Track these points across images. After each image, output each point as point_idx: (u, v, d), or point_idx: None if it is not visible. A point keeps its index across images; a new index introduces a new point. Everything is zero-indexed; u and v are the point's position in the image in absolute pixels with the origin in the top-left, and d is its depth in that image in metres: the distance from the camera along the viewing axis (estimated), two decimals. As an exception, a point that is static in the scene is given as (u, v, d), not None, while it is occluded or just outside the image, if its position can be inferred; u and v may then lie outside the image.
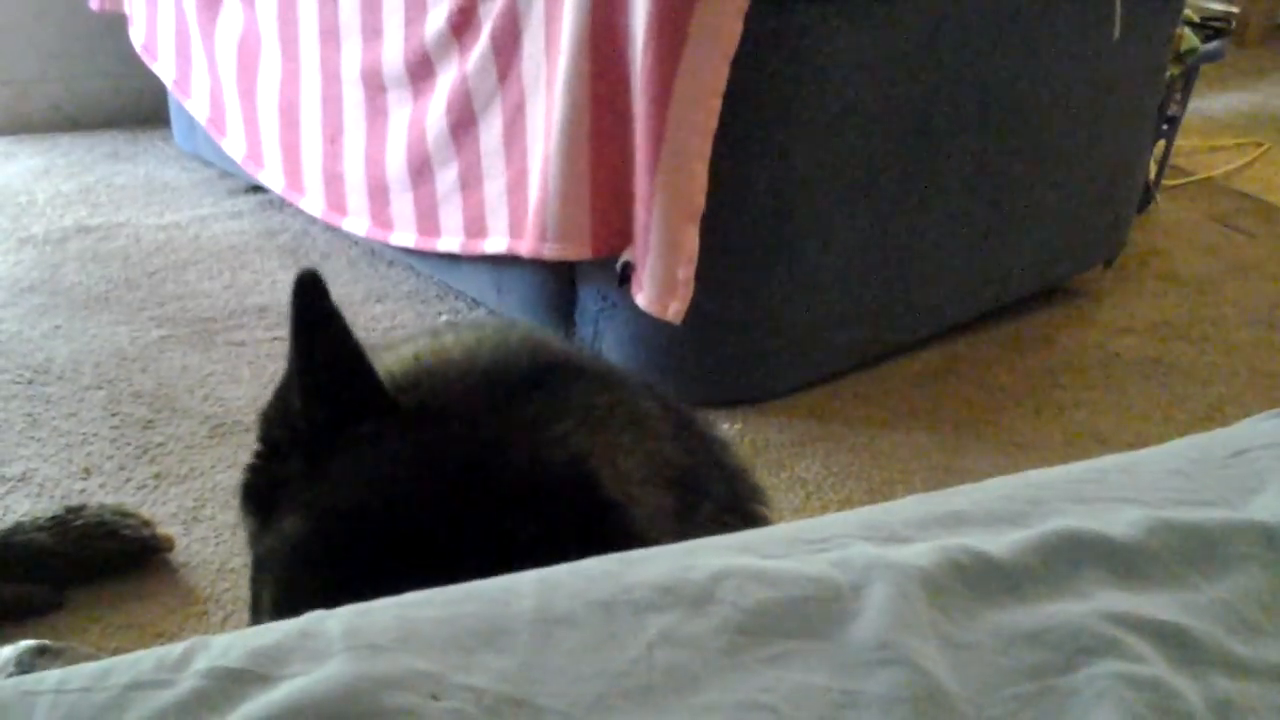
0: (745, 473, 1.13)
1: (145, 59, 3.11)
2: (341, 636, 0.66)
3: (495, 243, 2.29)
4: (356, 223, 2.58)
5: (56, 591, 1.71)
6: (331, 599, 0.72)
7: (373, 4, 2.40)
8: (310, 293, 0.93)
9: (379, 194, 2.50)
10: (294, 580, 0.91)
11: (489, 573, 0.73)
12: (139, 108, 3.48)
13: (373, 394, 0.94)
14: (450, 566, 0.75)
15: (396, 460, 0.91)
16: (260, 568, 0.96)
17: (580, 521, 0.88)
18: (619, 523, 0.89)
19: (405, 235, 2.48)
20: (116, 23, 3.22)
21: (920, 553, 0.72)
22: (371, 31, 2.42)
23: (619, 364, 1.11)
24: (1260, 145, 3.74)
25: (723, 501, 1.04)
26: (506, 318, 1.07)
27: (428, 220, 2.42)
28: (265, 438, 0.99)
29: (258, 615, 0.96)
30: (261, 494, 0.98)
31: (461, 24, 2.22)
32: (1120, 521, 0.75)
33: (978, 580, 0.70)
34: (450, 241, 2.38)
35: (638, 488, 0.93)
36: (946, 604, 0.69)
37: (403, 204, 2.45)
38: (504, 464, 0.90)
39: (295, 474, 0.94)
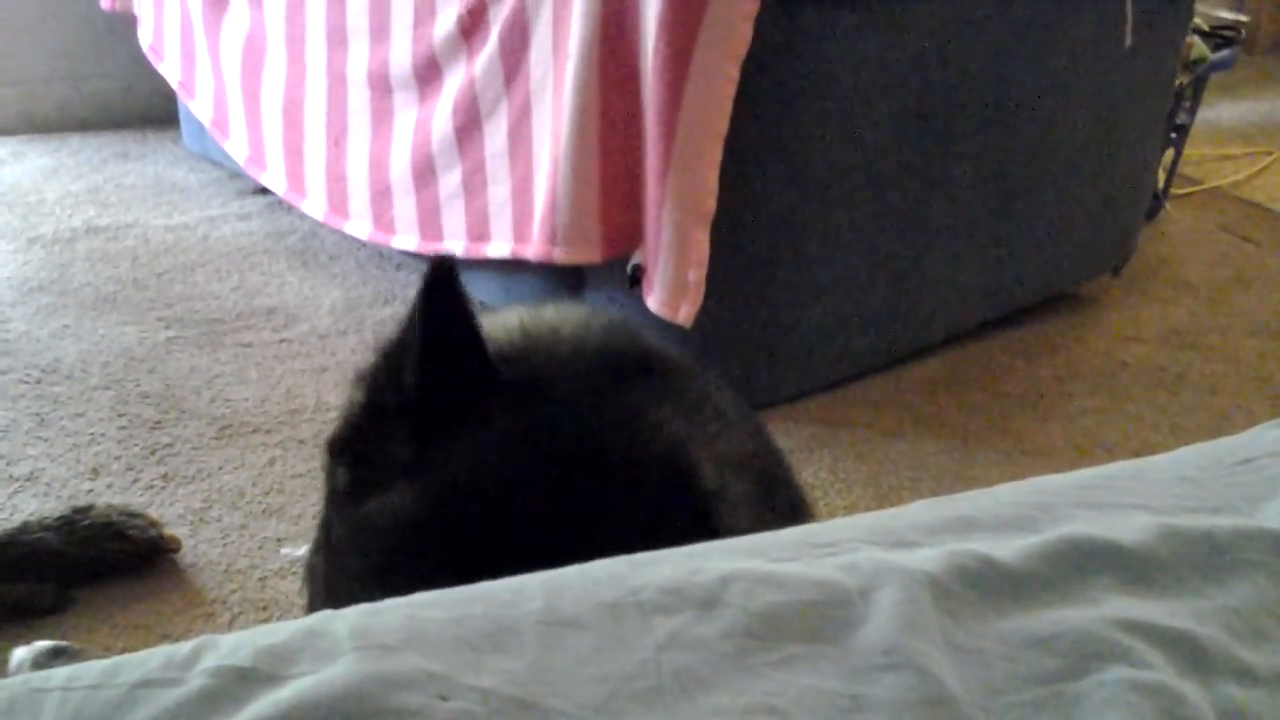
0: (801, 489, 1.15)
1: (152, 59, 3.12)
2: (349, 636, 0.66)
3: (498, 247, 2.29)
4: (359, 226, 2.58)
5: (63, 591, 1.71)
6: (441, 574, 0.73)
7: (381, 6, 2.40)
8: (445, 276, 0.94)
9: (382, 197, 2.50)
10: (402, 552, 0.91)
11: (595, 555, 0.74)
12: (148, 108, 3.49)
13: (487, 372, 0.95)
14: (559, 549, 0.77)
15: (509, 442, 0.93)
16: (357, 533, 0.96)
17: (680, 507, 0.89)
18: (714, 509, 0.91)
19: (408, 239, 2.48)
20: (126, 23, 3.23)
21: (928, 558, 0.72)
22: (379, 33, 2.42)
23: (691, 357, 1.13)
24: (1269, 154, 3.73)
25: (792, 496, 1.06)
26: (595, 305, 1.09)
27: (430, 224, 2.42)
28: (370, 397, 0.99)
29: (337, 587, 0.96)
30: (359, 451, 0.99)
31: (471, 27, 2.22)
32: (1129, 528, 0.75)
33: (986, 586, 0.70)
34: (453, 245, 2.38)
35: (728, 475, 0.95)
36: (954, 609, 0.69)
37: (406, 207, 2.46)
38: (610, 449, 0.92)
39: (402, 440, 0.95)
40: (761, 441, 1.08)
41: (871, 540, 0.75)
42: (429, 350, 0.94)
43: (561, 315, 1.07)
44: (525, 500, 0.90)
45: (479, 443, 0.92)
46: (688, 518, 0.87)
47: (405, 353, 0.96)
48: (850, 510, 2.02)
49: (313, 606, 1.10)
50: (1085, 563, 0.72)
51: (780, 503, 1.03)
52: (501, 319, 1.05)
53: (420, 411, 0.95)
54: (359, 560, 0.94)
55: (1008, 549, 0.73)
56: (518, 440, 0.93)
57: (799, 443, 2.19)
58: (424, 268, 2.64)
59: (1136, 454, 2.20)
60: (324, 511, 1.06)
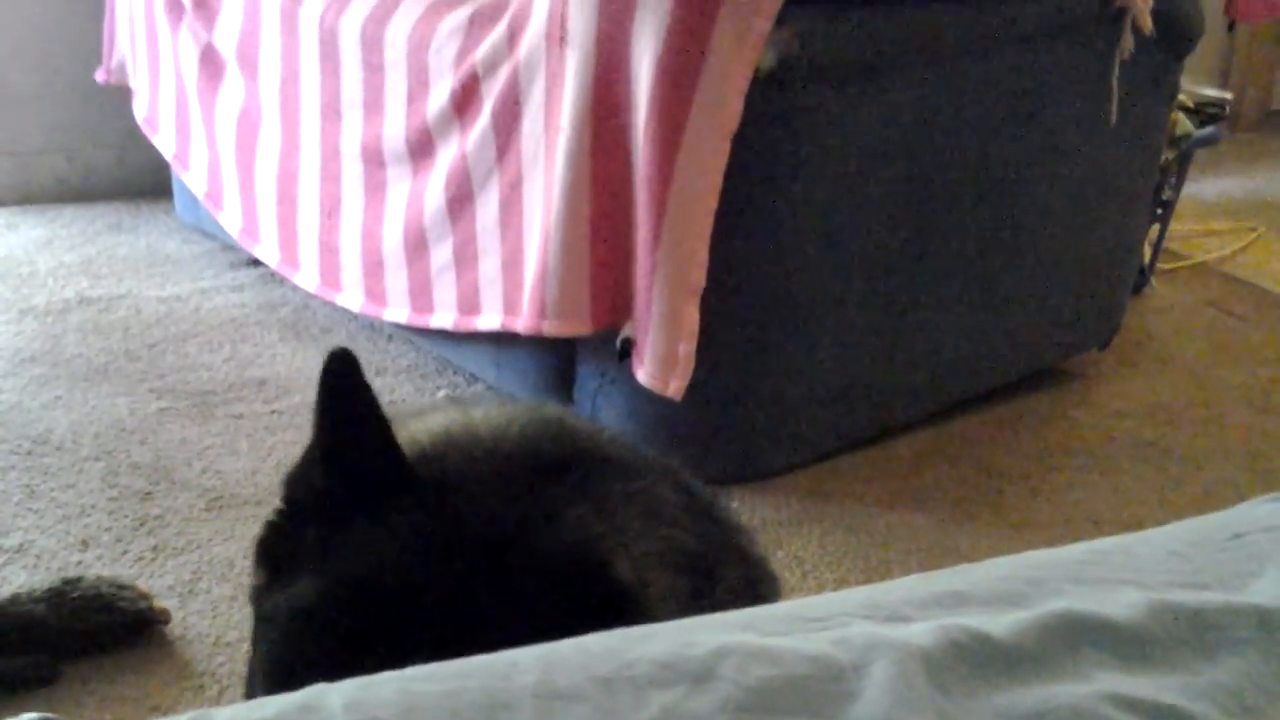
0: (763, 560, 1.14)
1: (147, 132, 3.14)
2: (343, 710, 0.66)
3: (488, 319, 2.30)
4: (351, 298, 2.59)
5: (52, 663, 1.70)
6: (332, 665, 0.72)
7: (375, 80, 2.43)
8: (341, 367, 0.93)
9: (374, 269, 2.52)
10: (296, 642, 0.91)
11: (495, 649, 0.74)
12: (142, 180, 3.51)
13: (395, 469, 0.94)
14: (456, 642, 0.76)
15: (411, 534, 0.92)
16: (263, 625, 0.96)
17: (589, 601, 0.88)
18: (627, 602, 0.90)
19: (399, 311, 2.49)
20: (120, 96, 3.25)
21: (921, 632, 0.72)
22: (373, 107, 2.45)
23: (639, 446, 1.11)
24: (1254, 230, 3.76)
25: (736, 587, 1.04)
26: (539, 400, 1.07)
27: (421, 296, 2.43)
28: (288, 497, 1.00)
29: (253, 677, 0.97)
30: (275, 551, 0.99)
31: (464, 101, 2.25)
32: (1120, 603, 0.75)
33: (979, 660, 0.71)
34: (444, 318, 2.40)
35: (650, 571, 0.94)
36: (947, 684, 0.69)
37: (397, 280, 2.47)
38: (515, 545, 0.91)
39: (311, 537, 0.95)
40: (707, 535, 1.06)
41: (864, 614, 0.76)
42: (332, 446, 0.95)
43: (485, 415, 1.06)
44: (421, 591, 0.89)
45: (378, 536, 0.92)
46: (599, 615, 0.86)
47: (312, 449, 0.97)
48: (839, 583, 2.02)
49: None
50: (1077, 638, 0.73)
51: (719, 596, 1.02)
52: (426, 420, 1.05)
53: (327, 509, 0.95)
54: (262, 652, 0.95)
55: (1000, 624, 0.73)
56: (418, 534, 0.92)
57: (788, 516, 2.19)
58: (416, 340, 2.65)
59: (1124, 527, 2.20)
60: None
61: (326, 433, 0.95)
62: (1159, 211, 3.14)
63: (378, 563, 0.91)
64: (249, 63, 2.71)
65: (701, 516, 1.07)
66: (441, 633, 0.85)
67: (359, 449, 0.94)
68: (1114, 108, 2.47)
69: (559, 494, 0.96)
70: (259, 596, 0.99)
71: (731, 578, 1.05)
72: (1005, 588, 0.78)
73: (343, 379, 0.93)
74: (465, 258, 2.31)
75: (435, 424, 1.03)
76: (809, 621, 0.75)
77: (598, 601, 0.89)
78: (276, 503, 2.06)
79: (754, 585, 1.09)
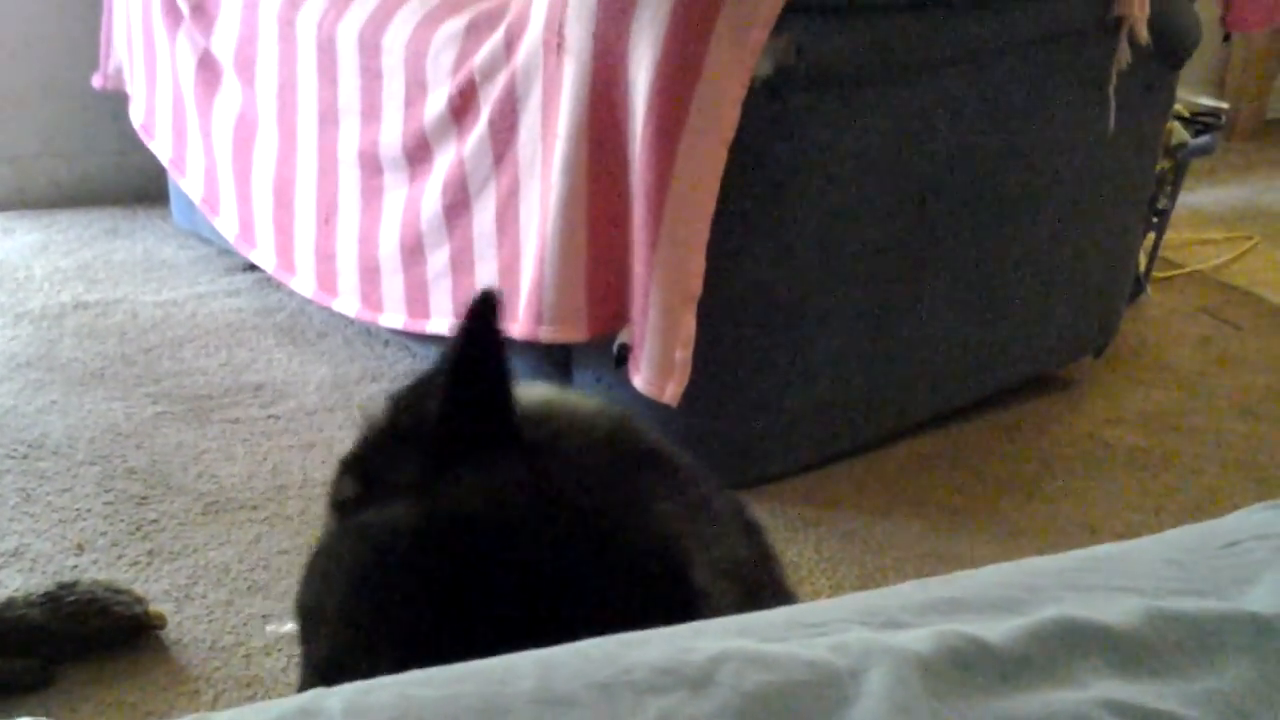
0: (793, 597, 1.15)
1: (143, 137, 3.14)
2: (342, 714, 0.66)
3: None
4: (347, 303, 2.59)
5: (47, 668, 1.71)
6: (420, 590, 0.72)
7: (372, 86, 2.43)
8: (484, 310, 0.95)
9: (370, 275, 2.52)
10: (388, 561, 0.91)
11: (570, 627, 0.75)
12: (138, 185, 3.51)
13: (508, 422, 0.96)
14: (538, 602, 0.80)
15: (516, 487, 0.93)
16: (350, 538, 0.96)
17: (667, 600, 0.89)
18: (699, 609, 0.91)
19: (395, 316, 2.49)
20: (117, 101, 3.25)
21: (918, 638, 0.72)
22: (370, 113, 2.45)
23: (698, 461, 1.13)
24: (1249, 239, 3.77)
25: (771, 601, 1.06)
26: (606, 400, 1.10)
27: (417, 302, 2.43)
28: (392, 420, 1.00)
29: (316, 588, 0.96)
30: (372, 465, 1.00)
31: (461, 108, 2.25)
32: (1117, 610, 0.75)
33: (976, 667, 0.71)
34: (440, 323, 2.40)
35: (719, 579, 0.96)
36: (944, 690, 0.69)
37: (393, 285, 2.47)
38: (608, 528, 0.92)
39: (414, 463, 0.95)
40: (755, 550, 1.08)
41: (861, 620, 0.76)
42: (456, 383, 0.95)
43: (580, 398, 1.08)
44: (518, 545, 0.90)
45: (485, 484, 0.93)
46: (672, 612, 0.87)
47: (434, 381, 0.97)
48: (836, 590, 2.02)
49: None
50: (1074, 645, 0.73)
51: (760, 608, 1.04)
52: (525, 388, 1.06)
53: (435, 440, 0.95)
54: (344, 562, 0.94)
55: (996, 630, 0.73)
56: (522, 493, 0.93)
57: (784, 522, 2.19)
58: (413, 345, 2.64)
59: (1119, 535, 2.21)
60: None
61: (454, 369, 0.95)
62: (1155, 220, 3.15)
63: (483, 505, 0.92)
64: (246, 69, 2.71)
65: (746, 529, 1.09)
66: (527, 590, 0.86)
67: (480, 394, 0.95)
68: (1112, 117, 2.48)
69: (646, 486, 0.98)
70: (346, 507, 1.00)
71: (767, 592, 1.06)
72: (1002, 594, 0.79)
73: (483, 322, 0.95)
74: (462, 263, 2.32)
75: (535, 393, 1.04)
76: (807, 627, 0.76)
77: (673, 601, 0.90)
78: (272, 507, 2.07)
79: (783, 599, 1.10)
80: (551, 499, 0.93)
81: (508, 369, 0.96)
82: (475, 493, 0.93)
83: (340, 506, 1.01)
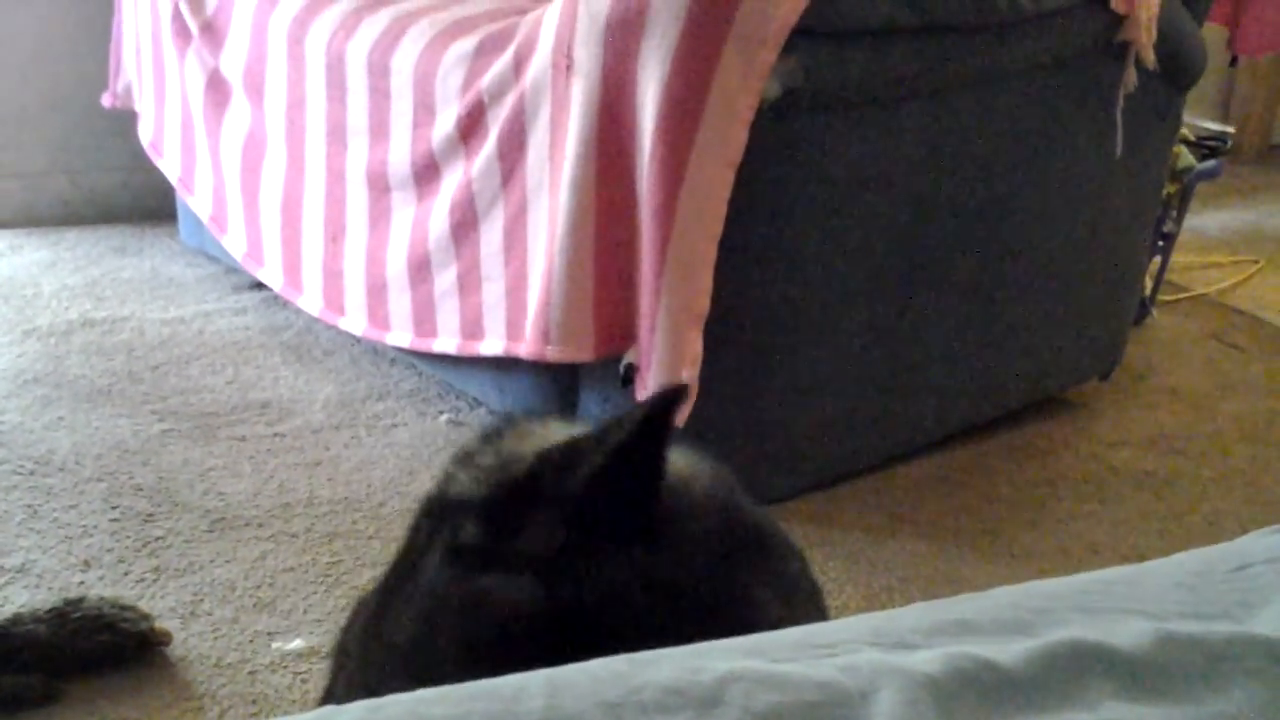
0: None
1: (152, 156, 3.15)
2: (354, 733, 0.67)
3: (491, 345, 2.30)
4: (354, 322, 2.60)
5: (53, 684, 1.70)
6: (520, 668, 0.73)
7: (381, 106, 2.44)
8: (669, 408, 0.94)
9: (377, 294, 2.52)
10: (501, 638, 0.90)
11: None
12: (146, 203, 3.52)
13: (650, 512, 0.95)
14: None
15: (640, 582, 0.92)
16: (465, 599, 0.94)
17: None
18: None
19: (401, 335, 2.50)
20: (126, 119, 3.26)
21: (928, 660, 0.72)
22: (378, 133, 2.45)
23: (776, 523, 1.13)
24: (1254, 262, 3.77)
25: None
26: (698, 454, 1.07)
27: (424, 321, 2.44)
28: (537, 470, 0.98)
29: (414, 650, 0.95)
30: (504, 515, 0.97)
31: (469, 128, 2.25)
32: (1126, 633, 0.76)
33: (986, 689, 0.71)
34: (446, 342, 2.40)
35: None
36: (954, 711, 0.69)
37: (400, 304, 2.47)
38: (717, 619, 0.92)
39: (545, 531, 0.94)
40: (820, 618, 1.08)
41: (871, 641, 0.76)
42: (614, 463, 0.94)
43: (689, 465, 1.05)
44: (638, 639, 0.89)
45: (611, 576, 0.92)
46: None
47: (587, 450, 0.95)
48: (841, 611, 2.02)
49: (335, 685, 1.09)
50: (1083, 667, 0.73)
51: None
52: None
53: (577, 516, 0.94)
54: (458, 624, 0.93)
55: (1006, 652, 0.73)
56: (642, 589, 0.92)
57: (790, 543, 2.19)
58: (419, 364, 2.64)
59: (1125, 558, 2.21)
60: (400, 556, 1.05)
61: (618, 449, 0.94)
62: (1160, 243, 3.15)
63: (606, 599, 0.91)
64: (255, 88, 2.72)
65: (815, 597, 1.10)
66: None
67: (633, 480, 0.94)
68: (1119, 140, 2.48)
69: (751, 572, 0.98)
70: (464, 554, 0.97)
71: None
72: (1012, 616, 0.79)
73: (664, 418, 0.94)
74: (469, 283, 2.32)
75: None
76: (816, 648, 0.76)
77: None
78: (278, 525, 2.07)
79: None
80: (669, 594, 0.92)
81: (664, 466, 0.95)
82: (601, 585, 0.92)
83: (458, 552, 0.98)
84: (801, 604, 1.01)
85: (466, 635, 0.92)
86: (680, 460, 1.04)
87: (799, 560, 1.07)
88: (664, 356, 2.04)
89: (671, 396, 0.94)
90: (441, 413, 2.54)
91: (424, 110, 2.34)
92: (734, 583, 0.96)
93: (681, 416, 2.06)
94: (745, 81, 1.94)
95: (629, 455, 0.93)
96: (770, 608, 0.96)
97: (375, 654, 1.02)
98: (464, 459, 1.04)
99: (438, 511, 1.02)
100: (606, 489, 0.94)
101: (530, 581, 0.92)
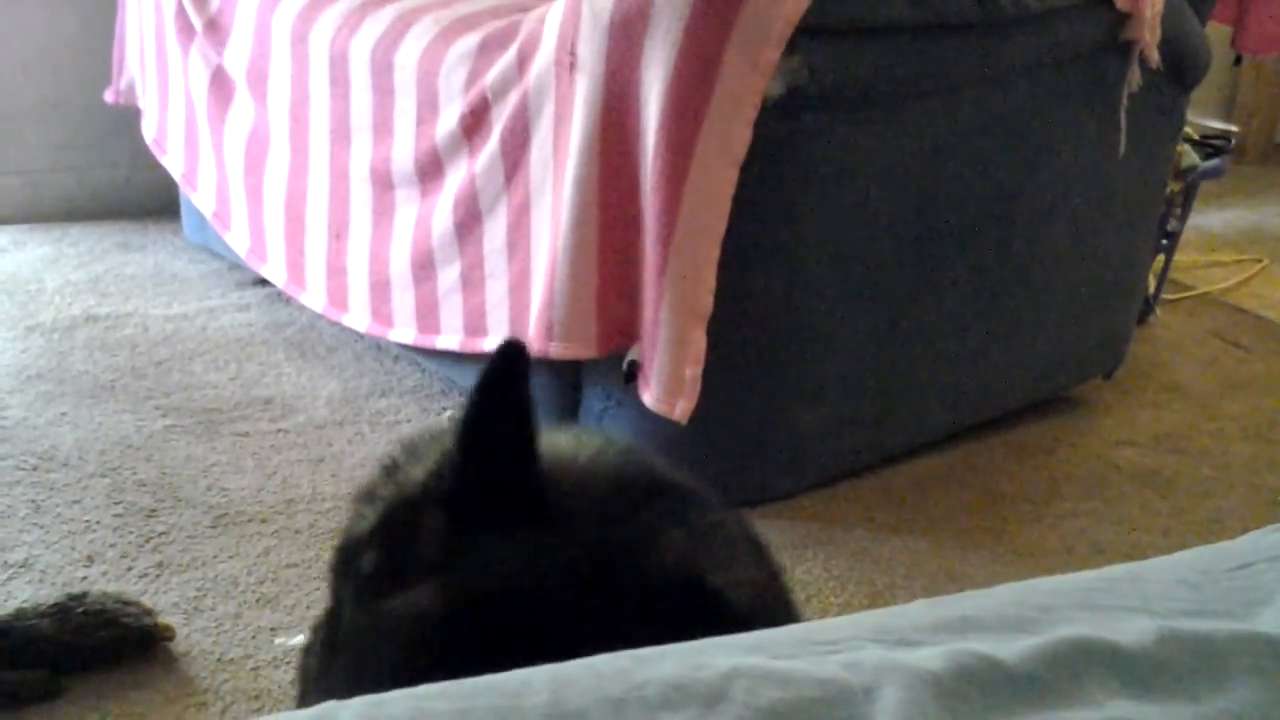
0: (792, 598, 1.15)
1: (155, 152, 3.15)
2: (356, 727, 0.67)
3: (495, 341, 2.29)
4: (357, 318, 2.60)
5: (56, 679, 1.71)
6: (452, 677, 0.72)
7: (384, 103, 2.44)
8: (507, 364, 0.93)
9: (381, 290, 2.52)
10: (416, 650, 0.90)
11: None
12: (149, 200, 3.52)
13: (532, 484, 0.94)
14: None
15: (537, 553, 0.92)
16: (375, 628, 0.94)
17: (693, 615, 0.89)
18: (724, 612, 0.90)
19: (405, 332, 2.50)
20: (129, 116, 3.26)
21: (931, 657, 0.72)
22: (382, 130, 2.46)
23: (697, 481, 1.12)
24: (1259, 261, 3.77)
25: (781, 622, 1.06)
26: (604, 432, 1.05)
27: (428, 317, 2.44)
28: (424, 484, 0.98)
29: (335, 671, 0.95)
30: (389, 537, 0.97)
31: (473, 125, 2.25)
32: (1129, 631, 0.76)
33: (989, 686, 0.71)
34: (450, 339, 2.40)
35: (753, 600, 0.96)
36: (957, 708, 0.69)
37: (404, 301, 2.48)
38: (624, 566, 0.92)
39: (436, 534, 0.94)
40: (764, 569, 1.08)
41: (874, 638, 0.76)
42: (471, 449, 0.94)
43: (579, 440, 1.06)
44: (543, 623, 0.89)
45: (504, 557, 0.91)
46: (703, 626, 0.87)
47: (453, 442, 0.96)
48: (845, 608, 2.02)
49: (303, 704, 1.09)
50: (1086, 664, 0.73)
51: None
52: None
53: (453, 511, 0.94)
54: (375, 656, 0.93)
55: (1009, 649, 0.73)
56: (541, 561, 0.92)
57: (792, 540, 2.19)
58: (422, 361, 2.64)
59: (1128, 556, 2.21)
60: (330, 608, 1.05)
61: (469, 435, 0.93)
62: (1164, 242, 3.15)
63: (504, 581, 0.91)
64: (259, 85, 2.72)
65: (755, 549, 1.08)
66: (561, 654, 0.86)
67: (500, 456, 0.93)
68: (1122, 139, 2.48)
69: (654, 519, 0.97)
70: (364, 589, 0.97)
71: (783, 616, 1.06)
72: (1015, 614, 0.79)
73: (505, 379, 0.93)
74: (472, 280, 2.32)
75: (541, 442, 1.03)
76: (819, 645, 0.76)
77: (701, 614, 0.89)
78: (281, 521, 2.08)
79: (792, 618, 1.10)
80: (567, 559, 0.92)
81: (531, 426, 0.93)
82: (495, 568, 0.91)
83: (362, 585, 0.98)
84: (723, 546, 1.00)
85: (382, 663, 0.92)
86: (565, 438, 1.04)
87: (718, 510, 1.06)
88: (667, 354, 2.04)
89: (506, 355, 0.93)
90: (445, 409, 2.54)
91: (427, 107, 2.34)
92: (640, 533, 0.95)
93: (685, 414, 2.08)
94: (749, 80, 1.94)
95: (483, 433, 0.93)
96: (684, 546, 0.95)
97: (315, 682, 1.03)
98: (367, 496, 1.04)
99: (351, 553, 1.02)
100: (476, 473, 0.93)
101: (427, 590, 0.92)
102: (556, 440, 1.04)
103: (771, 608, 1.01)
